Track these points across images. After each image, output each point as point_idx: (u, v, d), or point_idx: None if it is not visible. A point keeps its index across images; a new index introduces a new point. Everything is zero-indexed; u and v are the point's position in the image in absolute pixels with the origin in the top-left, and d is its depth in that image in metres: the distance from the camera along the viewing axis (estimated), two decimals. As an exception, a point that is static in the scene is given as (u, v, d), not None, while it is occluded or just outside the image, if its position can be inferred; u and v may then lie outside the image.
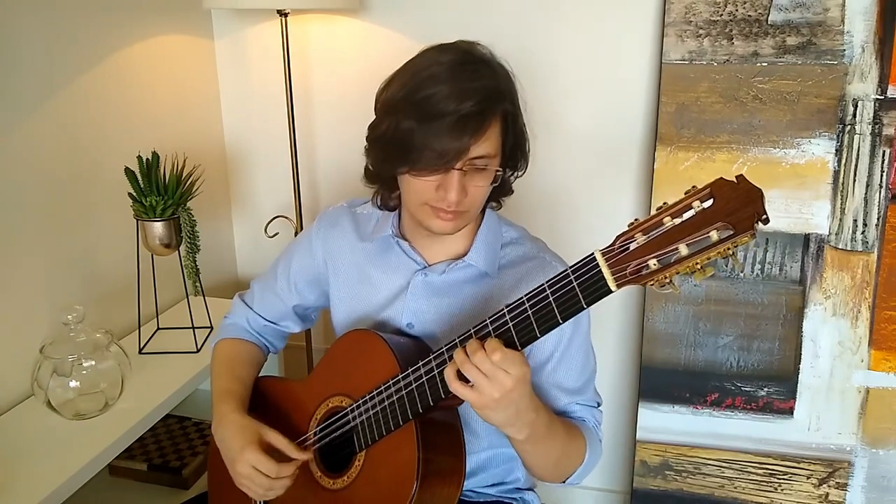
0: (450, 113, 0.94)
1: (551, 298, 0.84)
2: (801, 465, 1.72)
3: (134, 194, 1.48)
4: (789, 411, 1.71)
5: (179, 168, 1.53)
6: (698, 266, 0.73)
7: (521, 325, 0.87)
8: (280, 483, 1.05)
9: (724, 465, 1.76)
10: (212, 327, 1.70)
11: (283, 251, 1.30)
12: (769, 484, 1.75)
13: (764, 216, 0.69)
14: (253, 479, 1.04)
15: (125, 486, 1.67)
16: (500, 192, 1.13)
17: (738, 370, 1.72)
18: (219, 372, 1.23)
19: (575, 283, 0.82)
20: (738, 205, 0.70)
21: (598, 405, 1.16)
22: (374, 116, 1.07)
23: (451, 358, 0.92)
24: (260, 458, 1.03)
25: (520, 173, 1.11)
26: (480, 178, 1.01)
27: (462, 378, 0.89)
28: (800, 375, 1.69)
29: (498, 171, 1.02)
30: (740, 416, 1.73)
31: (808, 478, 1.72)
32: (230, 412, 1.12)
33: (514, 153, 1.06)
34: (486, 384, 0.86)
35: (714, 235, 0.71)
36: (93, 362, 1.34)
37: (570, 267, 0.82)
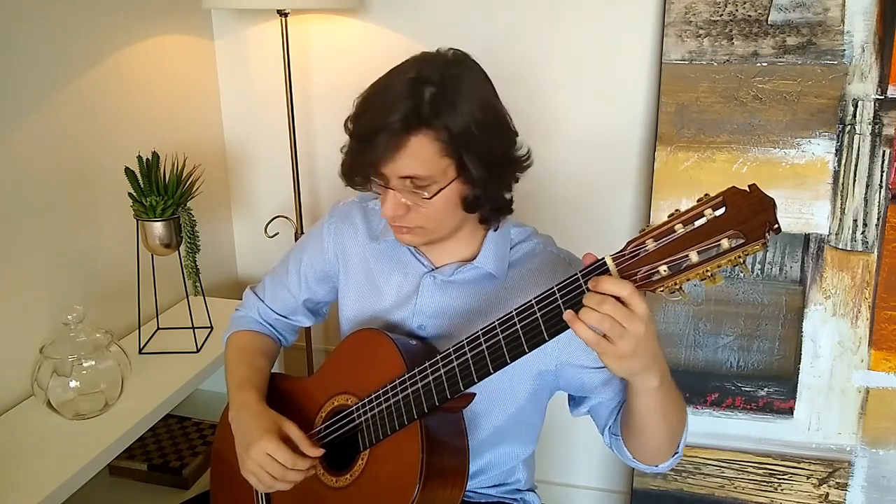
0: (367, 130, 0.97)
1: (560, 301, 0.83)
2: (801, 465, 1.73)
3: (134, 194, 1.48)
4: (789, 411, 1.71)
5: (179, 168, 1.53)
6: (709, 273, 0.74)
7: (529, 328, 0.86)
8: (291, 475, 1.03)
9: (724, 465, 1.77)
10: (212, 327, 1.70)
11: (295, 245, 1.31)
12: (769, 484, 1.75)
13: (776, 226, 0.70)
14: (265, 466, 1.02)
15: (125, 486, 1.66)
16: (494, 210, 1.04)
17: (738, 370, 1.72)
18: (235, 362, 1.22)
19: (585, 287, 0.81)
20: (750, 214, 0.70)
21: None
22: None
23: (458, 358, 0.92)
24: (278, 447, 1.01)
25: (507, 193, 1.05)
26: (419, 198, 0.98)
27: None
28: (800, 375, 1.69)
29: (443, 188, 0.96)
30: (740, 416, 1.74)
31: (808, 478, 1.73)
32: (252, 400, 1.12)
33: (482, 175, 0.97)
34: (619, 332, 0.81)
35: (725, 243, 0.71)
36: (93, 362, 1.34)
37: (581, 271, 0.82)
